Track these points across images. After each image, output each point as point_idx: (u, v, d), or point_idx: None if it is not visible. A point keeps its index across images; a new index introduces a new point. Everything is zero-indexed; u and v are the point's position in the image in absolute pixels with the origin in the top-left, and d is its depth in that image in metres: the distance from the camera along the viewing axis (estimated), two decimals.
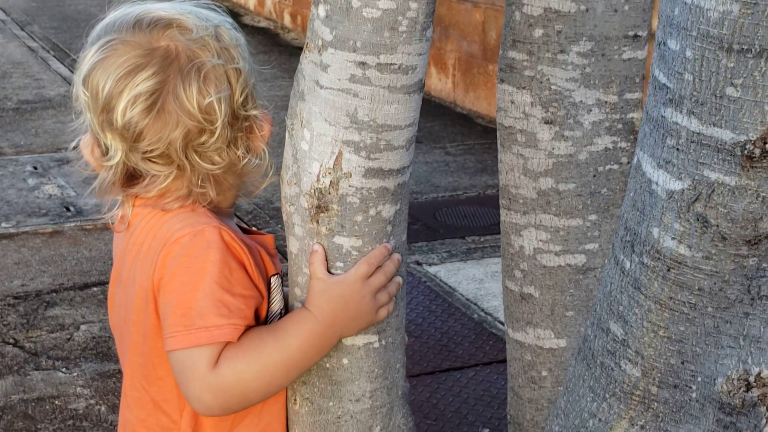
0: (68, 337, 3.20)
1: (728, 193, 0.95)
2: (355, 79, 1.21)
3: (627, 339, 1.07)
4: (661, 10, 1.00)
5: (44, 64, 6.78)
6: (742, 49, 0.91)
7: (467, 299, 3.51)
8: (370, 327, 1.31)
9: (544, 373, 1.49)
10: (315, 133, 1.25)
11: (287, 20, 8.19)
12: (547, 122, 1.40)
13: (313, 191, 1.26)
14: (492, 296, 3.52)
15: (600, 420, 1.12)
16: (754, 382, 1.00)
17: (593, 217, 1.43)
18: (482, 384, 2.97)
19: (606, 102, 1.40)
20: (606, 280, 1.11)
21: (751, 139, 0.93)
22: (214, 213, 1.31)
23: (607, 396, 1.11)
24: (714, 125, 0.94)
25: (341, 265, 1.28)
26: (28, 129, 5.38)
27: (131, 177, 1.30)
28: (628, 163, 1.43)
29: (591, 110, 1.39)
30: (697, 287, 1.00)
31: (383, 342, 1.34)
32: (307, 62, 1.26)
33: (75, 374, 2.98)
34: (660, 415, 1.08)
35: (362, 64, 1.20)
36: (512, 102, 1.41)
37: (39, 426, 2.72)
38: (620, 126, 1.41)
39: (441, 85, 6.18)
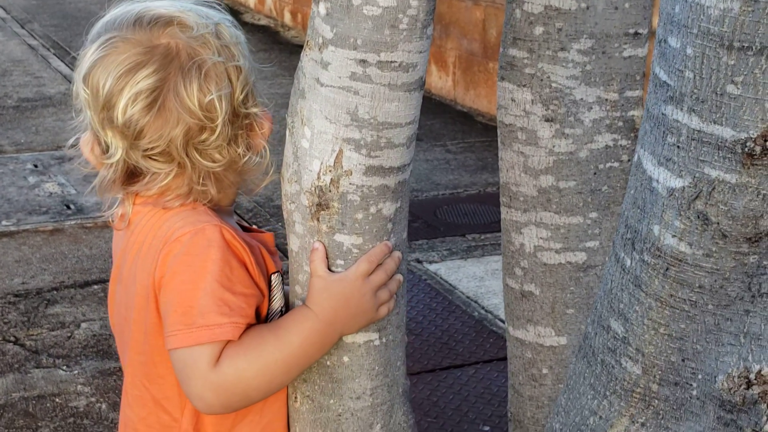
0: (69, 334, 3.20)
1: (729, 190, 0.95)
2: (356, 76, 1.21)
3: (628, 336, 1.07)
4: (661, 7, 1.00)
5: (44, 62, 6.78)
6: (743, 46, 0.91)
7: (468, 297, 3.52)
8: (370, 325, 1.31)
9: (544, 371, 1.49)
10: (316, 131, 1.25)
11: (287, 18, 8.19)
12: (547, 120, 1.40)
13: (313, 189, 1.26)
14: (492, 294, 3.52)
15: (600, 417, 1.12)
16: (755, 379, 1.00)
17: (594, 214, 1.43)
18: (483, 382, 2.97)
19: (606, 100, 1.40)
20: (606, 278, 1.11)
21: (752, 136, 0.93)
22: (215, 211, 1.31)
23: (607, 393, 1.11)
24: (715, 123, 0.94)
25: (342, 262, 1.28)
26: (29, 127, 5.38)
27: (132, 175, 1.30)
28: (629, 160, 1.43)
29: (591, 108, 1.39)
30: (697, 285, 1.00)
31: (384, 340, 1.34)
32: (307, 60, 1.26)
33: (76, 372, 2.98)
34: (660, 412, 1.08)
35: (363, 61, 1.20)
36: (513, 100, 1.41)
37: (40, 424, 2.72)
38: (621, 124, 1.41)
39: (441, 83, 6.18)
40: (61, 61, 6.78)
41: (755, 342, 1.01)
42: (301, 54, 1.28)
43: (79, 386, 2.91)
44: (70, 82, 1.31)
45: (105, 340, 3.17)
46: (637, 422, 1.09)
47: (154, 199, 1.30)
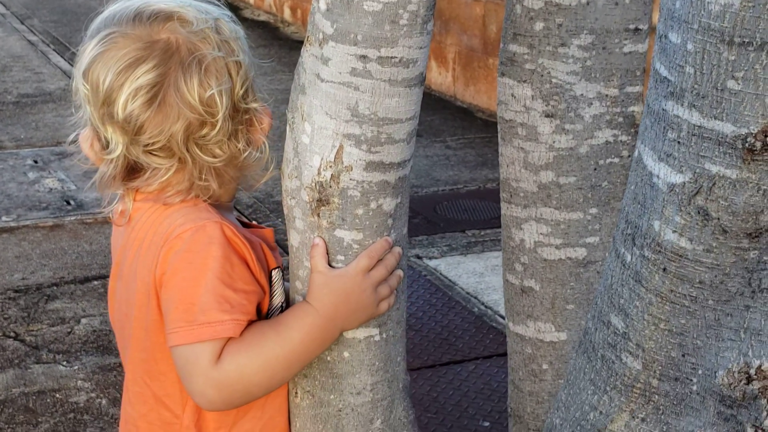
0: (69, 330, 3.20)
1: (729, 186, 0.95)
2: (356, 72, 1.21)
3: (628, 332, 1.07)
4: (662, 3, 1.00)
5: (44, 58, 6.77)
6: (743, 42, 0.91)
7: (467, 293, 3.52)
8: (371, 320, 1.31)
9: (544, 366, 1.49)
10: (316, 127, 1.25)
11: (287, 14, 8.18)
12: (547, 115, 1.40)
13: (314, 184, 1.27)
14: (492, 290, 3.52)
15: (601, 413, 1.12)
16: (755, 374, 1.00)
17: (594, 210, 1.43)
18: (482, 377, 2.97)
19: (607, 95, 1.40)
20: (607, 273, 1.11)
21: (752, 132, 0.93)
22: (215, 207, 1.31)
23: (608, 389, 1.11)
24: (715, 118, 0.94)
25: (342, 258, 1.28)
26: (29, 123, 5.38)
27: (132, 170, 1.30)
28: (629, 156, 1.43)
29: (592, 103, 1.39)
30: (697, 280, 1.01)
31: (384, 335, 1.34)
32: (308, 55, 1.26)
33: (76, 367, 2.99)
34: (661, 407, 1.08)
35: (363, 57, 1.20)
36: (513, 95, 1.41)
37: (40, 419, 2.72)
38: (621, 119, 1.41)
39: (441, 79, 6.18)
40: (61, 56, 6.78)
41: (755, 337, 1.01)
42: (302, 50, 1.28)
43: (79, 382, 2.91)
44: (69, 78, 1.30)
45: (105, 335, 3.17)
46: (638, 417, 1.10)
47: (154, 195, 1.30)
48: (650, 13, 1.41)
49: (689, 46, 0.95)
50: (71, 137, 1.34)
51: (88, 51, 1.28)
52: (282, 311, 1.32)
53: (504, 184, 1.47)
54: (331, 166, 1.25)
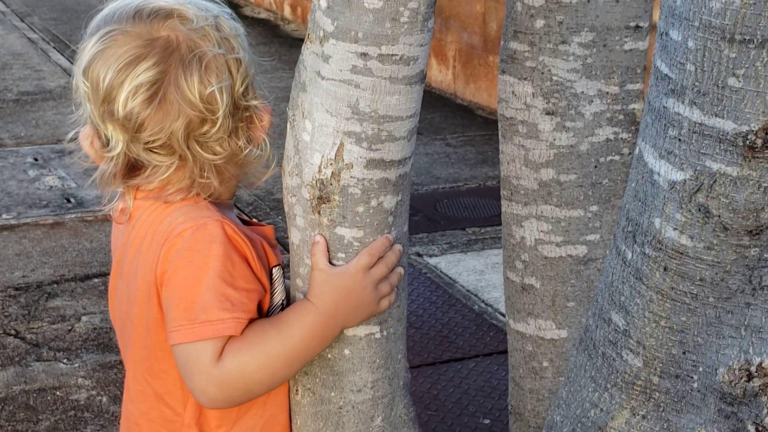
0: (69, 328, 3.20)
1: (730, 183, 0.95)
2: (357, 70, 1.21)
3: (628, 329, 1.07)
4: (663, 0, 1.00)
5: (44, 56, 6.77)
6: (744, 39, 0.91)
7: (468, 290, 3.52)
8: (371, 318, 1.31)
9: (545, 364, 1.49)
10: (316, 124, 1.25)
11: (287, 12, 8.18)
12: (548, 113, 1.40)
13: (314, 182, 1.27)
14: (492, 287, 3.52)
15: (601, 410, 1.12)
16: (756, 372, 1.01)
17: (594, 208, 1.43)
18: (483, 375, 2.97)
19: (607, 93, 1.40)
20: (607, 271, 1.11)
21: (753, 129, 0.93)
22: (215, 205, 1.31)
23: (608, 386, 1.11)
24: (716, 116, 0.94)
25: (343, 256, 1.28)
26: (29, 120, 5.38)
27: (132, 168, 1.30)
28: (630, 154, 1.43)
29: (592, 101, 1.39)
30: (698, 277, 1.01)
31: (385, 333, 1.34)
32: (308, 53, 1.26)
33: (76, 365, 2.99)
34: (661, 405, 1.08)
35: (364, 55, 1.20)
36: (513, 93, 1.41)
37: (40, 417, 2.73)
38: (621, 117, 1.41)
39: (441, 77, 6.18)
40: (61, 54, 6.78)
41: (756, 335, 1.01)
42: (302, 47, 1.28)
43: (79, 379, 2.91)
44: (70, 76, 1.30)
45: (105, 333, 3.17)
46: (638, 415, 1.10)
47: (155, 193, 1.30)
48: (651, 10, 1.41)
49: (690, 44, 0.95)
50: (71, 135, 1.34)
51: (88, 49, 1.28)
52: (283, 309, 1.32)
53: (504, 181, 1.47)
54: (331, 164, 1.25)
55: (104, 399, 2.82)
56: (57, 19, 7.92)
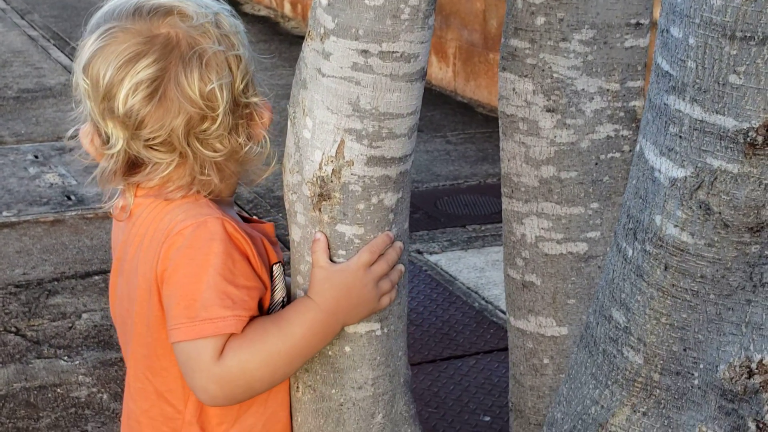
0: (70, 325, 3.20)
1: (731, 180, 0.95)
2: (357, 67, 1.21)
3: (629, 326, 1.07)
4: None
5: (44, 53, 6.77)
6: (745, 36, 0.91)
7: (468, 288, 3.52)
8: (372, 315, 1.31)
9: (545, 361, 1.49)
10: (317, 122, 1.25)
11: (287, 9, 8.18)
12: (549, 110, 1.40)
13: (315, 179, 1.27)
14: (493, 285, 3.52)
15: (602, 407, 1.12)
16: (756, 368, 1.01)
17: (595, 205, 1.43)
18: (483, 372, 2.97)
19: (608, 90, 1.40)
20: (608, 268, 1.11)
21: (754, 126, 0.93)
22: (216, 203, 1.31)
23: (609, 383, 1.11)
24: (717, 113, 0.94)
25: (343, 253, 1.28)
26: (29, 118, 5.38)
27: (133, 165, 1.30)
28: (630, 151, 1.43)
29: (593, 98, 1.39)
30: (699, 274, 1.01)
31: (385, 330, 1.34)
32: (309, 50, 1.26)
33: (77, 362, 2.99)
34: (662, 401, 1.08)
35: (364, 52, 1.20)
36: (514, 90, 1.41)
37: (41, 414, 2.73)
38: (622, 114, 1.41)
39: (442, 74, 6.17)
40: (61, 51, 6.77)
41: (757, 331, 1.01)
42: (303, 44, 1.28)
43: (80, 376, 2.92)
44: (70, 73, 1.30)
45: (106, 330, 3.17)
46: (639, 411, 1.10)
47: (155, 190, 1.30)
48: (651, 7, 1.41)
49: (691, 41, 0.95)
50: (70, 132, 1.34)
51: (88, 46, 1.28)
52: (283, 306, 1.32)
53: (505, 178, 1.47)
54: (332, 161, 1.25)
55: (105, 396, 2.82)
56: (57, 17, 7.92)
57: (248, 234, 1.29)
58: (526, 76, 1.40)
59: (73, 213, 4.11)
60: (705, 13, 0.93)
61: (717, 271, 1.00)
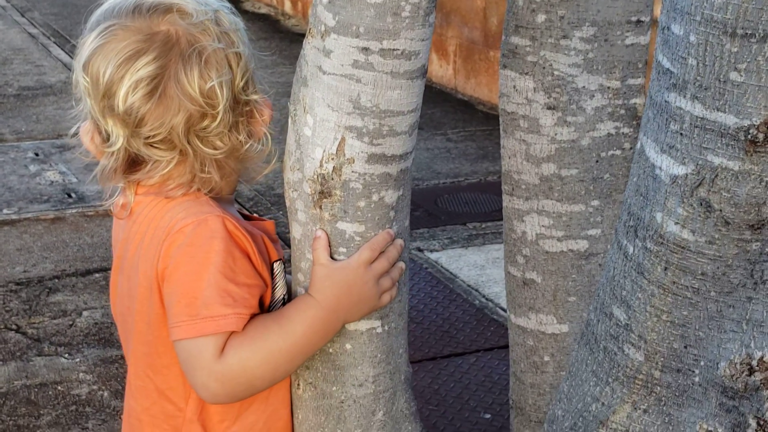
0: (70, 323, 3.21)
1: (732, 177, 0.95)
2: (358, 64, 1.21)
3: (630, 323, 1.07)
4: None
5: (45, 51, 6.77)
6: (746, 33, 0.91)
7: (468, 285, 3.52)
8: (373, 312, 1.31)
9: (546, 358, 1.49)
10: (318, 119, 1.25)
11: (288, 6, 8.17)
12: (549, 108, 1.40)
13: (316, 177, 1.27)
14: (493, 282, 3.52)
15: (603, 404, 1.13)
16: (757, 366, 1.01)
17: (596, 202, 1.43)
18: (483, 370, 2.98)
19: (609, 87, 1.39)
20: (609, 265, 1.11)
21: (755, 123, 0.93)
22: (216, 200, 1.31)
23: (610, 380, 1.11)
24: (718, 110, 0.94)
25: (344, 250, 1.28)
26: (30, 115, 5.38)
27: (133, 163, 1.30)
28: (631, 148, 1.43)
29: (594, 96, 1.39)
30: (700, 272, 1.01)
31: (386, 327, 1.34)
32: (310, 48, 1.25)
33: (77, 360, 2.99)
34: (663, 399, 1.08)
35: (365, 49, 1.20)
36: (515, 88, 1.41)
37: (42, 411, 2.73)
38: (623, 111, 1.41)
39: (442, 72, 6.17)
40: (62, 49, 6.77)
41: (757, 329, 1.01)
42: (304, 42, 1.28)
43: (81, 374, 2.92)
44: (70, 71, 1.30)
45: (107, 328, 3.17)
46: (640, 409, 1.10)
47: (156, 188, 1.30)
48: (652, 5, 1.41)
49: (692, 38, 0.95)
50: (72, 130, 1.34)
51: (87, 44, 1.28)
52: (284, 304, 1.32)
53: (506, 176, 1.47)
54: (333, 159, 1.25)
55: (105, 394, 2.82)
56: (57, 14, 7.92)
57: (249, 231, 1.29)
58: (526, 73, 1.40)
59: (74, 210, 4.11)
60: (706, 11, 0.93)
61: (718, 268, 1.00)
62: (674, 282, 1.02)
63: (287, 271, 1.37)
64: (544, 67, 1.38)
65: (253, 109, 1.33)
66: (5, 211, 4.09)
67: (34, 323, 3.20)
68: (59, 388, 2.85)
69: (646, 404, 1.09)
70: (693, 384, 1.06)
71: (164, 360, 1.32)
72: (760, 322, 1.01)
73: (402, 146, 1.27)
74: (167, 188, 1.29)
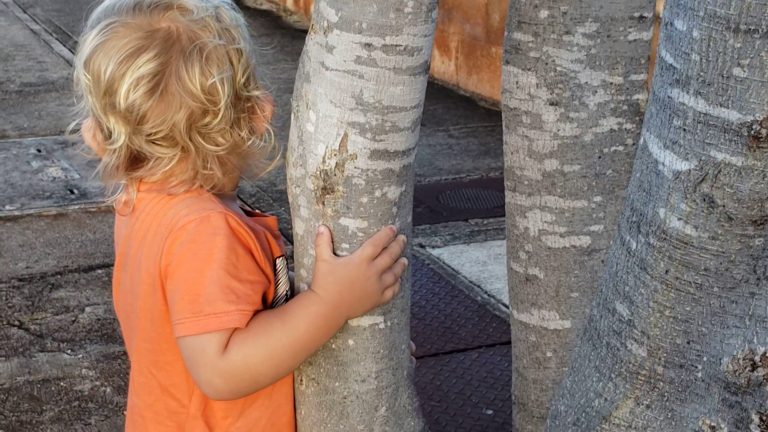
0: (73, 319, 3.21)
1: (735, 173, 0.95)
2: (361, 60, 1.21)
3: (633, 319, 1.07)
4: None
5: (47, 47, 6.77)
6: (749, 29, 0.91)
7: (470, 281, 3.52)
8: (375, 308, 1.31)
9: (548, 354, 1.49)
10: (320, 115, 1.25)
11: (290, 3, 8.17)
12: (552, 104, 1.40)
13: (318, 173, 1.27)
14: (495, 278, 3.52)
15: (606, 399, 1.13)
16: (760, 361, 1.01)
17: (598, 198, 1.43)
18: (486, 366, 2.98)
19: (611, 83, 1.39)
20: (612, 261, 1.11)
21: (758, 119, 0.93)
22: (218, 197, 1.31)
23: (612, 376, 1.11)
24: (721, 105, 0.94)
25: (347, 246, 1.29)
26: (32, 112, 5.38)
27: (135, 160, 1.30)
28: (634, 144, 1.43)
29: (596, 91, 1.39)
30: (703, 267, 1.01)
31: (389, 323, 1.34)
32: (312, 44, 1.25)
33: (80, 356, 2.99)
34: (665, 394, 1.08)
35: (368, 45, 1.20)
36: (517, 83, 1.41)
37: (44, 407, 2.73)
38: (625, 107, 1.41)
39: (444, 68, 6.17)
40: (64, 45, 6.77)
41: (760, 324, 1.01)
42: (306, 38, 1.28)
43: (83, 370, 2.92)
44: (72, 67, 1.30)
45: (109, 324, 3.18)
46: (642, 404, 1.10)
47: (158, 185, 1.30)
48: (654, 0, 1.41)
49: (695, 34, 0.94)
50: (70, 126, 1.34)
51: (88, 41, 1.28)
52: (287, 300, 1.32)
53: (508, 172, 1.47)
54: (335, 155, 1.25)
55: (108, 390, 2.82)
56: (59, 11, 7.92)
57: (251, 228, 1.29)
58: (529, 69, 1.40)
59: (76, 207, 4.11)
60: (709, 6, 0.93)
61: (721, 263, 1.00)
62: (677, 277, 1.02)
63: (290, 268, 1.37)
64: (546, 63, 1.38)
65: (255, 106, 1.33)
66: (8, 207, 4.10)
67: (37, 319, 3.20)
68: (62, 384, 2.85)
69: (648, 400, 1.09)
70: (696, 379, 1.06)
71: (167, 357, 1.32)
72: (762, 318, 1.01)
73: (405, 142, 1.27)
74: (170, 185, 1.29)
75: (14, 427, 2.64)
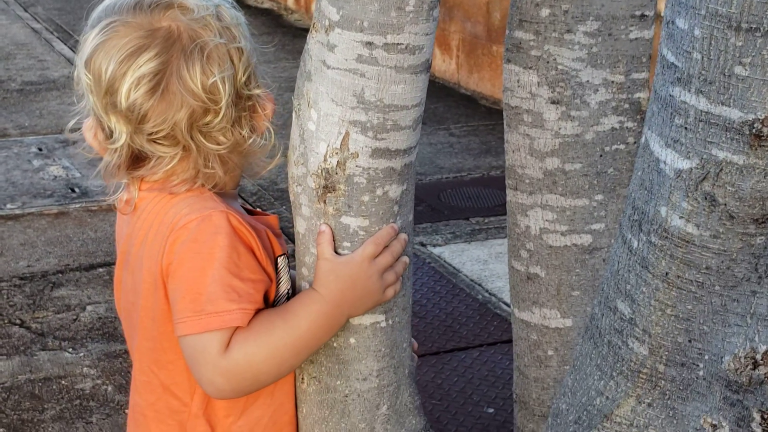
0: (74, 317, 3.21)
1: (736, 171, 0.95)
2: (362, 59, 1.21)
3: (634, 317, 1.07)
4: None
5: (48, 46, 6.77)
6: (751, 27, 0.91)
7: (472, 280, 3.52)
8: (377, 307, 1.31)
9: (550, 353, 1.49)
10: (322, 114, 1.25)
11: (290, 1, 8.16)
12: (553, 102, 1.40)
13: (320, 171, 1.27)
14: (496, 277, 3.52)
15: (607, 398, 1.13)
16: (761, 360, 1.01)
17: (599, 197, 1.43)
18: (487, 364, 2.98)
19: (613, 82, 1.39)
20: (613, 259, 1.11)
21: (759, 117, 0.93)
22: (220, 196, 1.31)
23: (614, 374, 1.11)
24: (722, 104, 0.94)
25: (348, 245, 1.29)
26: (33, 110, 5.38)
27: (136, 159, 1.30)
28: (635, 143, 1.43)
29: (598, 90, 1.39)
30: (704, 266, 1.01)
31: (390, 321, 1.34)
32: (314, 42, 1.25)
33: (81, 354, 3.00)
34: (667, 392, 1.08)
35: (369, 44, 1.20)
36: (519, 82, 1.41)
37: (46, 406, 2.74)
38: (627, 106, 1.41)
39: (445, 66, 6.17)
40: (65, 44, 6.77)
41: (762, 323, 1.01)
42: (308, 36, 1.28)
43: (84, 368, 2.92)
44: (73, 66, 1.30)
45: (110, 322, 3.18)
46: (644, 402, 1.10)
47: (159, 184, 1.30)
48: None
49: (696, 32, 0.94)
50: (70, 125, 1.34)
51: (89, 40, 1.27)
52: (288, 299, 1.33)
53: (509, 170, 1.47)
54: (337, 153, 1.25)
55: (109, 388, 2.82)
56: (61, 9, 7.92)
57: (253, 226, 1.29)
58: (530, 67, 1.40)
59: (77, 205, 4.11)
60: (710, 5, 0.93)
61: (722, 262, 1.00)
62: (679, 276, 1.02)
63: (291, 266, 1.37)
64: (548, 62, 1.38)
65: (256, 104, 1.33)
66: (9, 206, 4.10)
67: (38, 318, 3.21)
68: (63, 382, 2.85)
69: (650, 398, 1.09)
70: (697, 378, 1.06)
71: (169, 355, 1.32)
72: (764, 316, 1.01)
73: (406, 141, 1.27)
74: (171, 184, 1.29)
75: (16, 425, 2.65)
